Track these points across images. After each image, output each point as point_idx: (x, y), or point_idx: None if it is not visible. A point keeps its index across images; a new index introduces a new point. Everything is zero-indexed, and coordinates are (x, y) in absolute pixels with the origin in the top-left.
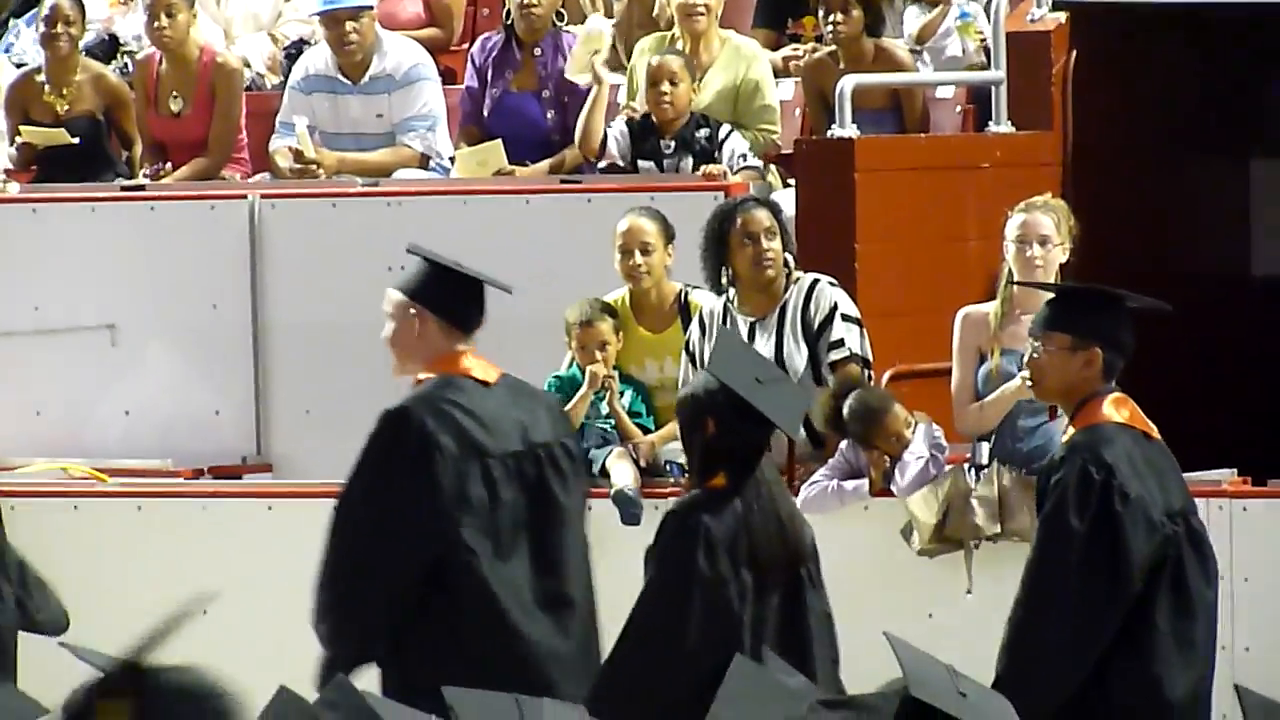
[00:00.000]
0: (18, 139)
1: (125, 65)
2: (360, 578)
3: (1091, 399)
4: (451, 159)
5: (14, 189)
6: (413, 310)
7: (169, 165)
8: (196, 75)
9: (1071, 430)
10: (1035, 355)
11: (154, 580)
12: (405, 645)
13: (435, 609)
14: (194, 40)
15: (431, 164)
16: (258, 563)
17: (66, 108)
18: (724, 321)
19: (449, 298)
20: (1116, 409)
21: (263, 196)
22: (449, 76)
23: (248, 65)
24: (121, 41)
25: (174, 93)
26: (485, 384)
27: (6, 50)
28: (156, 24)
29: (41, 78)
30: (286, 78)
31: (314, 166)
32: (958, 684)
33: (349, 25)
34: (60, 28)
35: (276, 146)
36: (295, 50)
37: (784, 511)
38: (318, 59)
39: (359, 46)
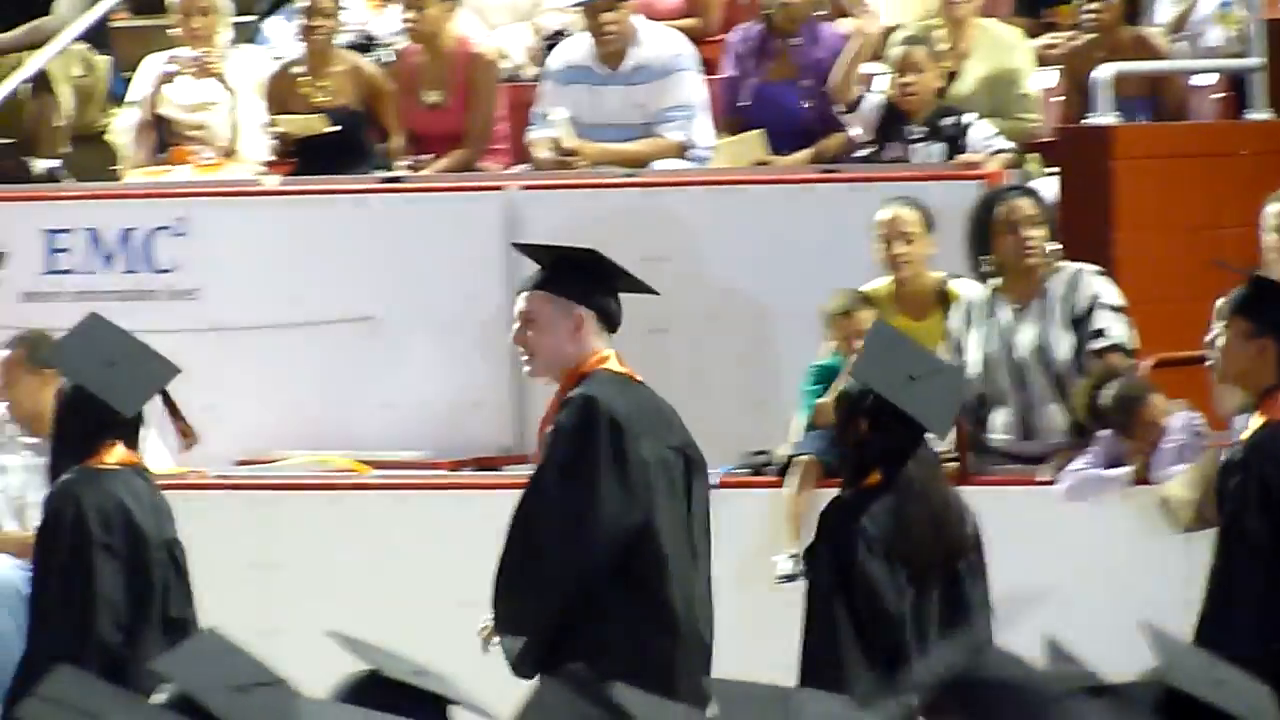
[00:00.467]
0: (276, 130)
1: (383, 57)
2: (557, 565)
3: (1272, 392)
4: (711, 149)
5: (273, 181)
6: (574, 309)
7: (427, 157)
8: (454, 67)
9: (1257, 421)
10: (1220, 339)
11: (414, 572)
12: (580, 637)
13: (614, 599)
14: (451, 32)
15: (690, 154)
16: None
17: (325, 99)
18: (989, 311)
19: (607, 294)
20: None
21: (521, 187)
22: (707, 66)
23: (505, 56)
24: (378, 39)
25: (432, 84)
26: (636, 381)
27: (264, 44)
28: (407, 16)
29: (300, 70)
30: (544, 68)
31: (573, 157)
32: (1215, 672)
33: (607, 15)
34: (318, 20)
35: (535, 137)
36: (554, 40)
37: (940, 505)
38: (576, 49)
39: (617, 36)
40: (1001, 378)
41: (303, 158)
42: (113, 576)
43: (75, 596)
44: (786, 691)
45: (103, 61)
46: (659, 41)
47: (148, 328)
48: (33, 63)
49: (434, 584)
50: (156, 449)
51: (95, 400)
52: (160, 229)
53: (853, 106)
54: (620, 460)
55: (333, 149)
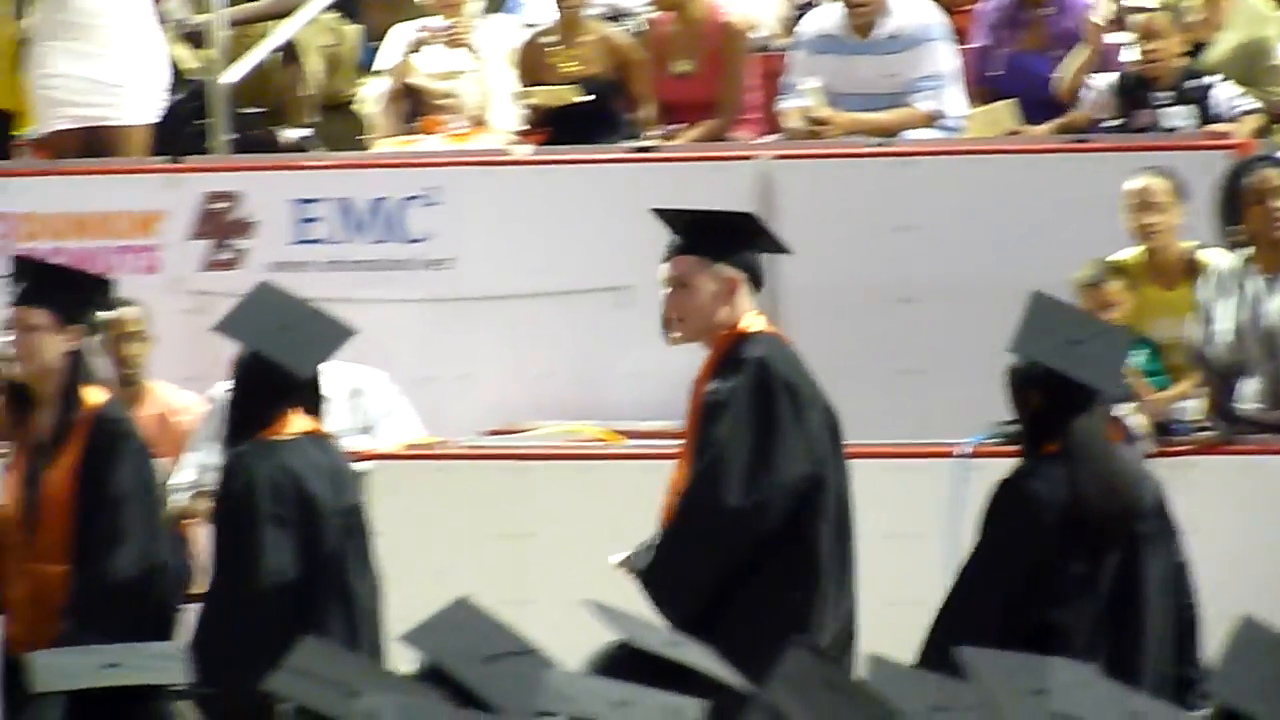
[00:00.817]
0: (528, 100)
1: (633, 27)
2: (738, 528)
3: None
4: (962, 118)
5: (525, 151)
6: (726, 272)
7: (679, 126)
8: (705, 36)
9: None
10: None
11: None
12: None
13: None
14: (701, 1)
15: (940, 123)
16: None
17: (577, 68)
18: (1239, 280)
19: (753, 256)
20: None
21: (773, 157)
22: (958, 35)
23: (756, 25)
24: (628, 9)
25: (683, 53)
26: (788, 342)
27: (514, 12)
28: None
29: (550, 40)
30: (795, 38)
31: (824, 126)
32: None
33: None
34: None
35: (786, 106)
36: (804, 9)
37: (1116, 472)
38: (827, 18)
39: (869, 6)
40: (1251, 347)
41: (554, 127)
42: (282, 549)
43: (244, 570)
44: (1039, 660)
45: (352, 30)
46: (910, 11)
47: (399, 298)
48: (281, 31)
49: None
50: (408, 418)
51: (271, 366)
52: (411, 199)
53: (1074, 96)
54: (798, 422)
55: (584, 119)
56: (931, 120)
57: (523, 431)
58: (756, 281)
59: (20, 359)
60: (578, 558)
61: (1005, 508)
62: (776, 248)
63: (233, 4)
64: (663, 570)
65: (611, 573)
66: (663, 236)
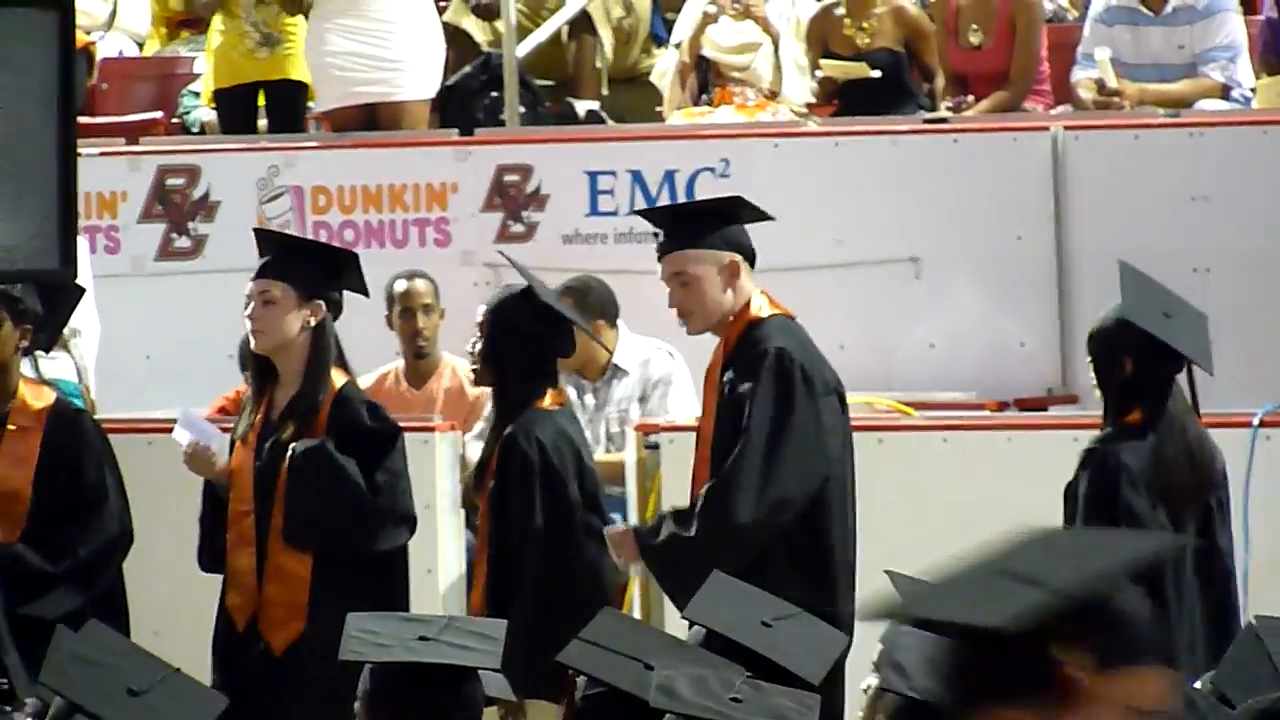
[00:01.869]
0: (818, 73)
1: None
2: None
3: None
4: (1253, 89)
5: (815, 122)
6: (725, 257)
7: (970, 98)
8: (996, 7)
9: None
10: None
11: (956, 513)
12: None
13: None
14: None
15: (1232, 94)
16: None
17: (867, 40)
18: None
19: (743, 234)
20: None
21: (1065, 128)
22: (1248, 7)
23: None
24: None
25: (974, 25)
26: (791, 316)
27: None
28: None
29: (841, 11)
30: (1087, 9)
31: (1116, 98)
32: None
33: None
34: None
35: (1078, 78)
36: None
37: (1194, 441)
38: None
39: None
40: None
41: (845, 99)
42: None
43: (528, 532)
44: None
45: (643, 3)
46: None
47: None
48: (573, 3)
49: (976, 525)
50: (686, 390)
51: (535, 347)
52: (704, 170)
53: None
54: (816, 420)
55: (875, 91)
56: (1223, 91)
57: None
58: (753, 259)
59: (257, 332)
60: (870, 529)
61: (1097, 477)
62: (761, 217)
63: None
64: (672, 570)
65: (903, 543)
66: (956, 207)
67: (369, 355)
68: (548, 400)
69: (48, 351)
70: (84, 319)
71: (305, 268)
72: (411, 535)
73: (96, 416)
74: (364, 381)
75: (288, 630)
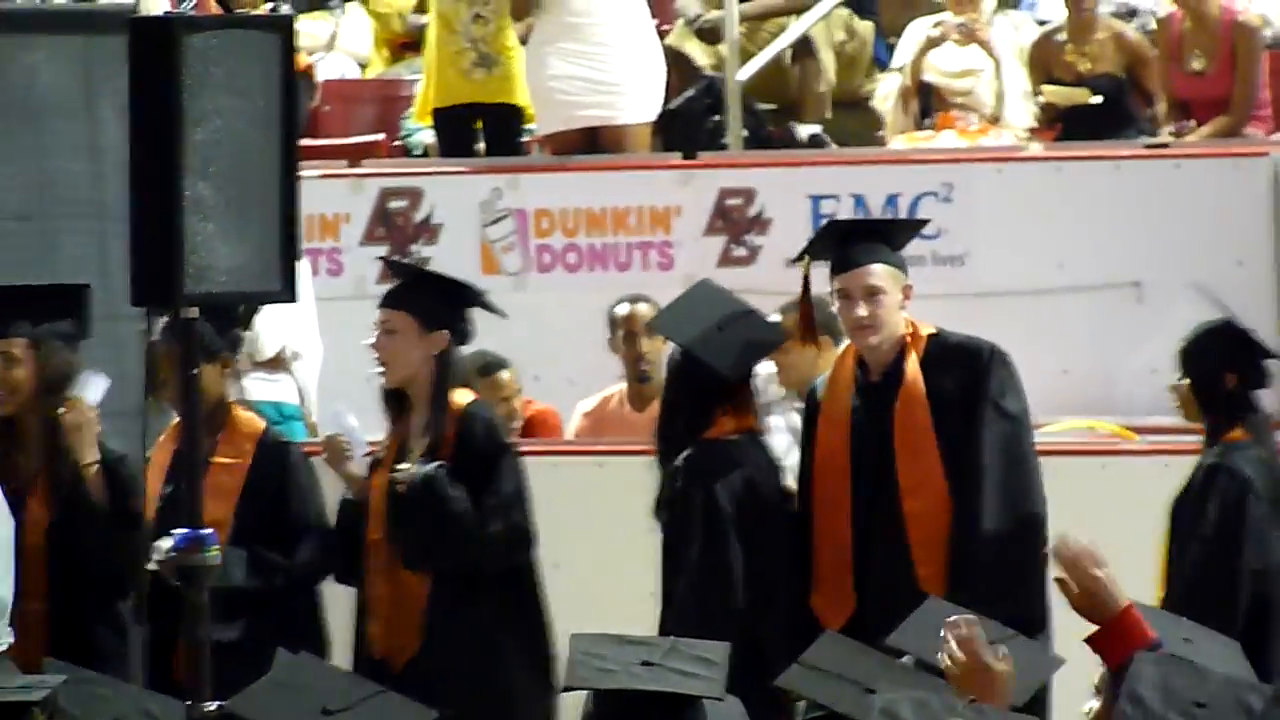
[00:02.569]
0: (1039, 98)
1: (1146, 25)
2: None
3: None
4: None
5: (1037, 147)
6: (904, 280)
7: (1193, 123)
8: (1218, 33)
9: None
10: None
11: None
12: None
13: None
14: None
15: None
16: None
17: (1089, 66)
18: None
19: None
20: None
21: None
22: None
23: (1269, 23)
24: (1140, 8)
25: (1196, 51)
26: None
27: (1030, 8)
28: None
29: (1062, 37)
30: None
31: None
32: None
33: None
34: None
35: None
36: None
37: None
38: None
39: None
40: None
41: (1067, 124)
42: (742, 554)
43: (711, 578)
44: None
45: (865, 27)
46: None
47: (915, 294)
48: (795, 27)
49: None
50: None
51: (702, 366)
52: (926, 195)
53: None
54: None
55: (1097, 115)
56: None
57: (1039, 427)
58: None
59: (381, 363)
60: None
61: (1229, 493)
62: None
63: (746, 0)
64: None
65: (1133, 569)
66: (1178, 232)
67: (591, 378)
68: (724, 429)
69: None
70: (306, 341)
71: (426, 298)
72: (526, 554)
73: (316, 439)
74: (587, 404)
75: (406, 649)
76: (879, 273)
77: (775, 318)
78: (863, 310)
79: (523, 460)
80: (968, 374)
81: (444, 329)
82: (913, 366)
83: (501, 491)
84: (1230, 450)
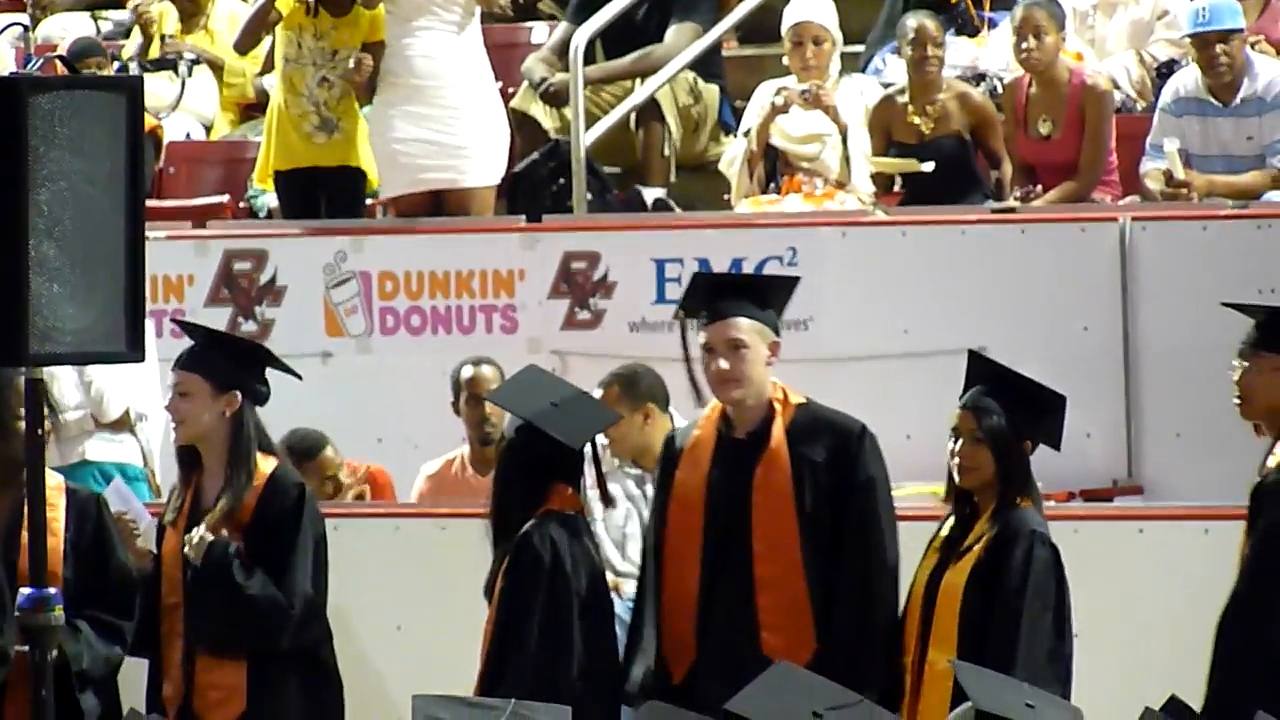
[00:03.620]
0: (872, 169)
1: (993, 89)
2: None
3: None
4: None
5: (882, 212)
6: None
7: (1039, 188)
8: (1066, 98)
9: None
10: (1243, 375)
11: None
12: None
13: None
14: (1064, 63)
15: None
16: (1128, 587)
17: (931, 127)
18: None
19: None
20: None
21: (1133, 219)
22: None
23: (1116, 87)
24: (987, 72)
25: (1043, 115)
26: None
27: (877, 73)
28: (1025, 45)
29: (904, 99)
30: (1156, 99)
31: (1184, 189)
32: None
33: (1219, 48)
34: (929, 50)
35: (1146, 169)
36: (1165, 71)
37: None
38: (1188, 80)
39: (1229, 68)
40: None
41: (911, 188)
42: (579, 627)
43: (552, 646)
44: None
45: (711, 90)
46: (1271, 72)
47: None
48: (641, 91)
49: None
50: None
51: (543, 438)
52: (771, 259)
53: None
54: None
55: (941, 178)
56: None
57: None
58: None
59: (176, 424)
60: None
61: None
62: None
63: (592, 63)
64: None
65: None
66: (1024, 297)
67: (435, 441)
68: (560, 502)
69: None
70: (150, 402)
71: (218, 360)
72: (320, 628)
73: (161, 500)
74: (430, 467)
75: (228, 710)
76: (743, 326)
77: (597, 392)
78: (725, 364)
79: (321, 528)
80: (838, 450)
81: (235, 389)
82: (778, 431)
83: (297, 566)
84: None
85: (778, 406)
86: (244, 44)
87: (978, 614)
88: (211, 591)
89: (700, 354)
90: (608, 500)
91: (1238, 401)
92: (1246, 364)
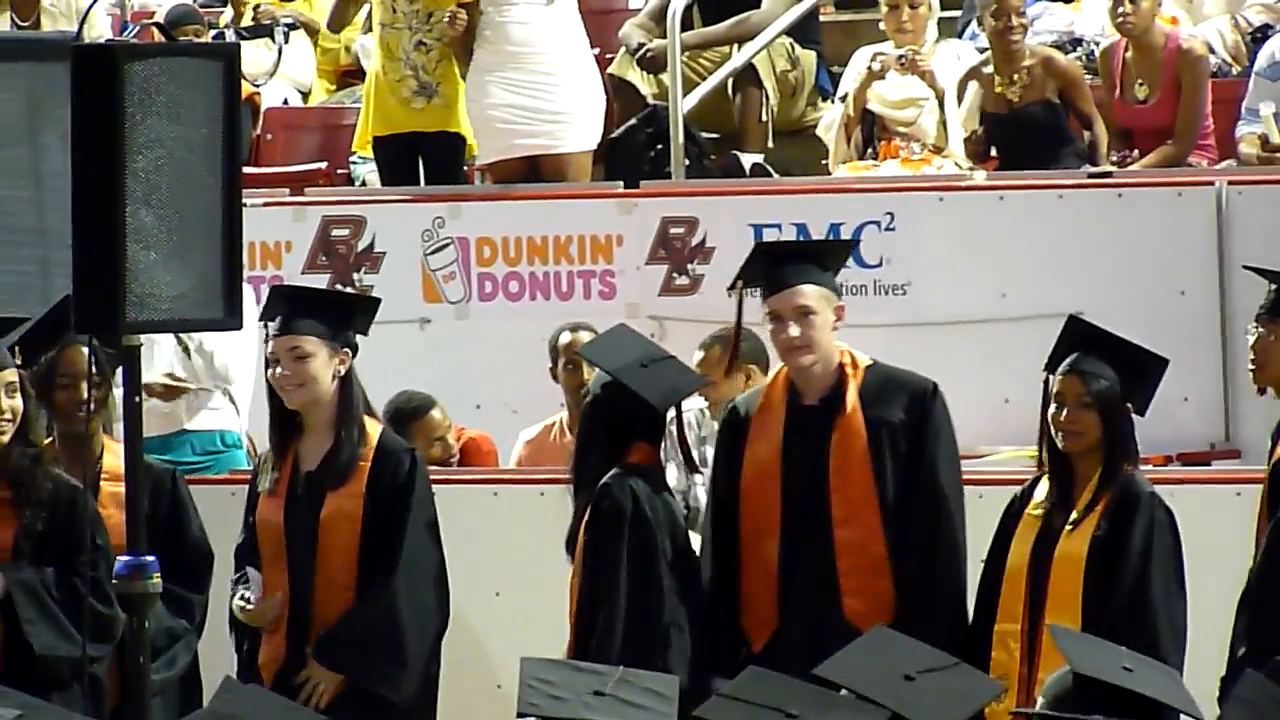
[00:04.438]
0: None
1: (1089, 53)
2: None
3: None
4: None
5: (980, 176)
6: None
7: (1135, 152)
8: (1162, 62)
9: None
10: (1259, 340)
11: None
12: None
13: None
14: (1159, 27)
15: None
16: (1225, 550)
17: (1020, 95)
18: None
19: None
20: None
21: (1229, 183)
22: None
23: (1211, 51)
24: (1083, 37)
25: (1139, 79)
26: None
27: (974, 37)
28: (1121, 10)
29: (989, 69)
30: (1251, 64)
31: (1279, 153)
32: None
33: None
34: (1013, 20)
35: (1242, 133)
36: (1260, 36)
37: None
38: None
39: None
40: None
41: (1005, 151)
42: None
43: (642, 594)
44: None
45: (809, 56)
46: None
47: (857, 322)
48: (739, 56)
49: None
50: None
51: (630, 396)
52: (869, 223)
53: None
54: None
55: (1035, 139)
56: None
57: (980, 457)
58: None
59: (294, 388)
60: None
61: None
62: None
63: (689, 29)
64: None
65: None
66: (1121, 262)
67: (533, 407)
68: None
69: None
70: (246, 369)
71: (332, 318)
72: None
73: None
74: (528, 433)
75: None
76: (809, 293)
77: (699, 353)
78: (794, 330)
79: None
80: (911, 410)
81: (348, 347)
82: (852, 396)
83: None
84: None
85: (849, 370)
86: (336, 22)
87: (1101, 582)
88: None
89: (767, 323)
90: (693, 466)
91: (1252, 368)
92: (1262, 330)
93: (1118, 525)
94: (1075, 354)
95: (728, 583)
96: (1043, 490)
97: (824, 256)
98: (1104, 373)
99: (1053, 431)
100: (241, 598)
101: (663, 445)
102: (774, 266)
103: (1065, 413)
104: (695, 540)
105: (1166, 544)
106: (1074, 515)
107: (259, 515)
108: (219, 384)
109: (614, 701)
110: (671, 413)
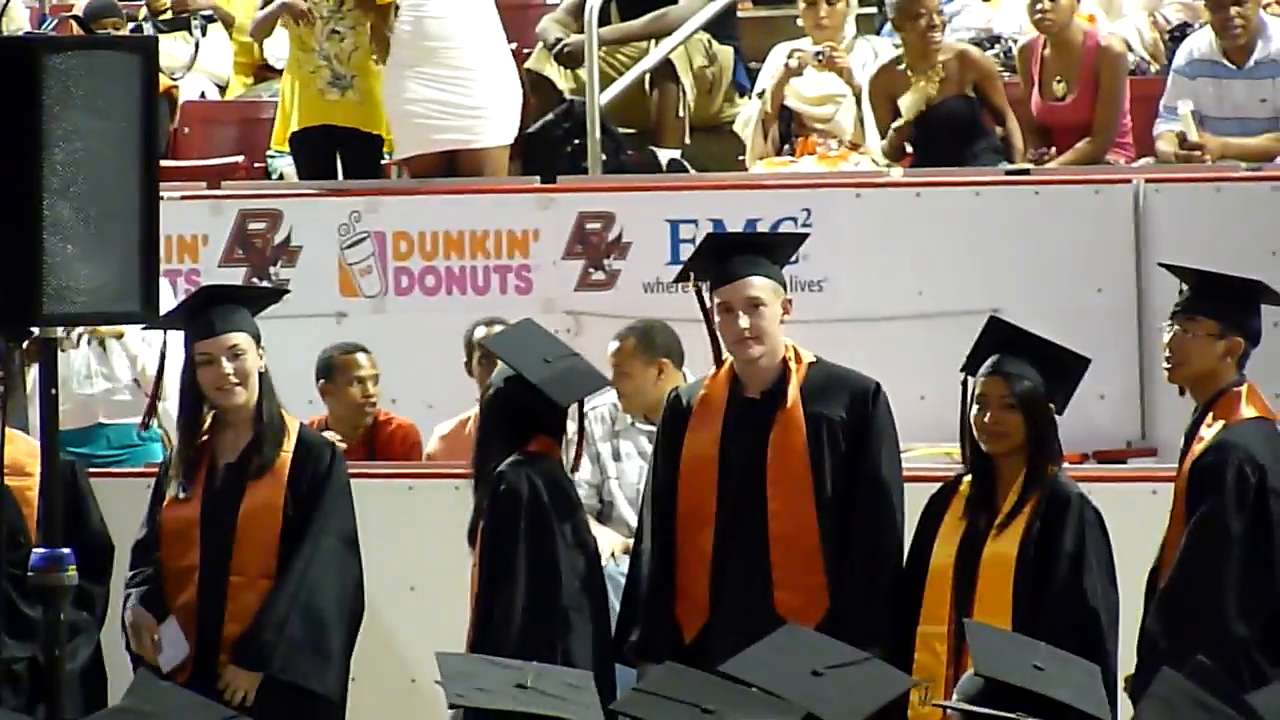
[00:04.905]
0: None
1: (1008, 50)
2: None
3: (1229, 391)
4: None
5: (897, 172)
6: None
7: (1053, 150)
8: (1081, 59)
9: (1216, 424)
10: (1174, 338)
11: None
12: None
13: None
14: (1078, 25)
15: None
16: (1141, 547)
17: (935, 90)
18: None
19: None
20: (1250, 402)
21: (1146, 181)
22: None
23: (1130, 49)
24: (1001, 35)
25: (1058, 77)
26: None
27: (891, 35)
28: (1039, 7)
29: (902, 66)
30: (1169, 62)
31: (1198, 151)
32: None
33: (1234, 10)
34: (935, 18)
35: (1160, 131)
36: (1178, 34)
37: None
38: (1201, 43)
39: (1243, 31)
40: None
41: (922, 148)
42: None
43: (539, 576)
44: None
45: (726, 52)
46: None
47: None
48: (656, 52)
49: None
50: None
51: (533, 391)
52: (785, 219)
53: None
54: None
55: (954, 139)
56: None
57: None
58: None
59: (235, 389)
60: None
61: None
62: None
63: (607, 24)
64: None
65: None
66: (1037, 259)
67: (449, 401)
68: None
69: None
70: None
71: (255, 313)
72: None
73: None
74: (443, 428)
75: None
76: (760, 285)
77: (613, 344)
78: (744, 322)
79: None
80: (853, 408)
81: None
82: (794, 390)
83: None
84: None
85: (792, 365)
86: (260, 32)
87: (1033, 583)
88: None
89: (716, 314)
90: (576, 467)
91: (1167, 366)
92: (1177, 327)
93: (1048, 526)
94: (997, 355)
95: (669, 571)
96: (965, 489)
97: (774, 249)
98: (1027, 373)
99: (976, 433)
100: (146, 631)
101: (564, 440)
102: (724, 257)
103: (989, 415)
104: (603, 533)
105: (1099, 543)
106: (1000, 518)
107: (169, 509)
108: (142, 384)
109: (536, 694)
110: (574, 409)
